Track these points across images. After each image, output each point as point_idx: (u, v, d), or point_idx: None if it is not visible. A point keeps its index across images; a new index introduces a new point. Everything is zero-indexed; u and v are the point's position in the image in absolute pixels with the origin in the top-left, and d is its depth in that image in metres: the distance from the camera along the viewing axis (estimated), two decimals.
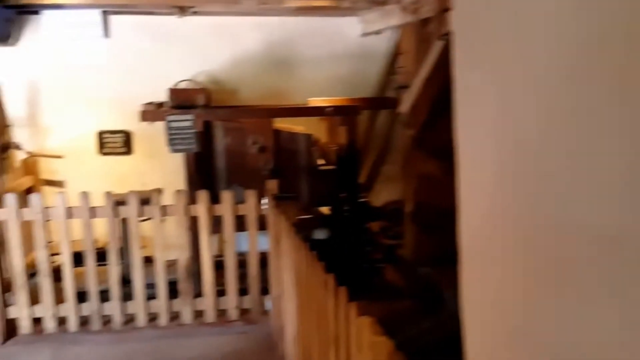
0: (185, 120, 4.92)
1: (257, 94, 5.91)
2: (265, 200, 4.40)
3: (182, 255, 4.53)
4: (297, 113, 5.18)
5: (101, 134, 5.85)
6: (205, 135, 4.98)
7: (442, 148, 5.16)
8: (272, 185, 4.37)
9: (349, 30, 6.08)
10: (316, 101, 5.48)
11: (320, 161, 5.19)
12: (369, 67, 6.11)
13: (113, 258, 4.50)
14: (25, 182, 5.50)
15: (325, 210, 5.43)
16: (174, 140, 4.92)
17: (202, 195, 4.47)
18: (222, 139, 5.01)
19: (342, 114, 5.04)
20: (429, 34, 5.14)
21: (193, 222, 4.55)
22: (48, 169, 5.84)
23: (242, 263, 4.62)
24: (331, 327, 2.44)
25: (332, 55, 6.05)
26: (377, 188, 6.41)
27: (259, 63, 5.95)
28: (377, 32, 5.98)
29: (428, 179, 5.17)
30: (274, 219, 3.85)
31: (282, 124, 5.24)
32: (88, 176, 5.67)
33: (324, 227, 5.23)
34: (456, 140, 0.69)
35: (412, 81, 5.17)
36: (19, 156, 5.75)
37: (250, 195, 4.51)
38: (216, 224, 4.62)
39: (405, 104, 5.03)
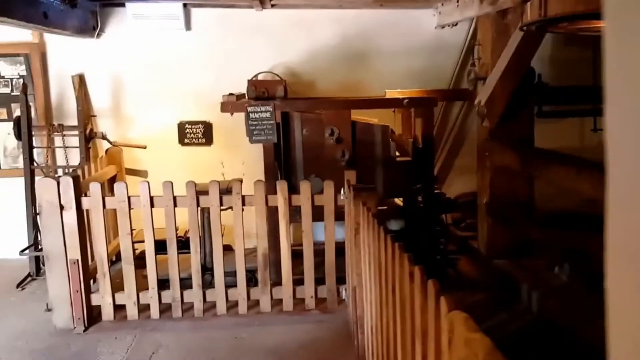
0: (265, 112, 5.00)
1: (333, 86, 5.93)
2: (343, 191, 4.42)
3: (261, 245, 4.61)
4: (374, 105, 5.18)
5: (182, 125, 6.02)
6: (284, 127, 5.04)
7: (519, 140, 5.05)
8: (351, 175, 4.38)
9: (425, 22, 6.02)
10: (393, 93, 5.45)
11: (396, 153, 5.16)
12: (444, 60, 6.03)
13: (194, 247, 4.62)
14: (109, 171, 5.72)
15: (399, 201, 5.41)
16: (253, 131, 5.01)
17: (281, 185, 4.53)
18: (300, 130, 5.06)
19: (419, 105, 4.99)
20: (507, 25, 5.02)
21: (272, 212, 4.62)
22: (131, 159, 6.06)
23: (317, 252, 4.67)
24: (417, 320, 2.43)
25: (407, 48, 6.00)
26: (450, 180, 6.34)
27: (336, 56, 5.98)
28: (453, 24, 5.89)
29: (504, 171, 5.07)
30: (352, 210, 3.86)
31: (357, 116, 5.25)
32: (169, 166, 5.85)
33: (398, 218, 5.23)
34: (608, 135, 0.65)
35: (489, 73, 5.07)
36: (103, 146, 5.99)
37: (328, 186, 4.54)
38: (294, 214, 4.69)
39: (483, 96, 4.93)
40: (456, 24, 5.82)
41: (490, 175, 5.11)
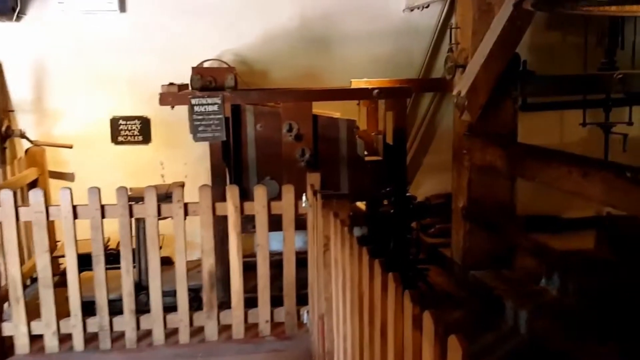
0: (212, 104, 4.18)
1: (290, 75, 5.16)
2: (305, 197, 3.64)
3: (206, 261, 3.80)
4: (339, 96, 4.42)
5: (116, 121, 5.13)
6: (234, 122, 4.24)
7: (505, 135, 4.38)
8: (314, 179, 3.61)
9: (392, 4, 5.31)
10: (359, 83, 4.70)
11: (364, 151, 4.41)
12: (414, 46, 5.34)
13: (126, 265, 3.77)
14: (30, 174, 4.81)
15: (362, 205, 4.67)
16: (198, 127, 4.18)
17: (232, 191, 3.72)
18: (253, 125, 4.26)
19: (392, 96, 4.26)
20: (491, 5, 4.34)
21: (220, 222, 3.82)
22: (56, 160, 5.13)
23: (273, 263, 3.87)
24: None
25: (373, 33, 5.28)
26: (418, 180, 5.65)
27: (293, 41, 5.21)
28: (425, 6, 5.19)
29: (485, 171, 4.41)
30: (320, 221, 3.10)
31: (317, 109, 4.47)
32: (100, 168, 4.97)
33: (362, 224, 4.47)
34: None
35: (470, 60, 4.39)
36: (22, 145, 5.05)
37: (287, 191, 3.75)
38: (246, 223, 3.89)
39: (463, 86, 4.24)
40: (427, 6, 5.13)
41: (469, 175, 4.44)
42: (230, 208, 3.71)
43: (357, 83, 4.70)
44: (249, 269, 3.92)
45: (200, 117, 4.17)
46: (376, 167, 4.36)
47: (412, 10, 5.23)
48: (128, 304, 3.81)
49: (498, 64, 4.12)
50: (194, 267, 4.19)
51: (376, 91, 4.24)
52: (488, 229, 4.39)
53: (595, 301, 3.69)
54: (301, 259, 3.83)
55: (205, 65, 4.82)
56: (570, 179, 3.27)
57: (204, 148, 4.33)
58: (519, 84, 4.27)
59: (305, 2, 5.20)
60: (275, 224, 3.82)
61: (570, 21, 4.84)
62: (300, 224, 3.81)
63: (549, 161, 3.47)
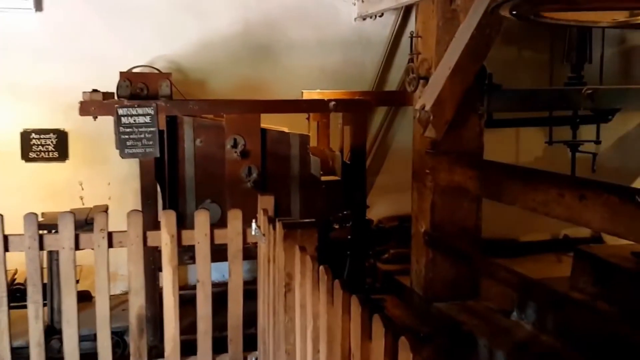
0: (143, 115, 3.46)
1: (231, 86, 4.49)
2: (255, 224, 2.97)
3: (135, 302, 3.04)
4: (292, 107, 3.79)
5: (27, 134, 4.27)
6: (170, 136, 3.53)
7: (473, 153, 3.88)
8: (267, 202, 2.95)
9: (343, 12, 4.75)
10: (312, 94, 4.10)
11: (319, 170, 3.80)
12: (366, 57, 4.79)
13: (34, 308, 2.97)
14: None
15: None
16: (126, 142, 3.45)
17: (167, 218, 3.00)
18: (192, 140, 3.57)
19: (350, 110, 3.68)
20: (455, 12, 3.86)
21: (152, 254, 3.09)
22: None
23: (214, 296, 3.17)
24: None
25: (322, 42, 4.71)
26: (369, 201, 5.07)
27: (235, 48, 4.55)
28: (378, 15, 4.66)
29: (451, 192, 3.90)
30: (279, 255, 2.45)
31: (264, 123, 3.83)
32: (7, 190, 4.10)
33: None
34: None
35: (433, 70, 3.89)
36: None
37: (234, 217, 3.07)
38: (182, 254, 3.17)
39: (427, 99, 3.71)
40: (381, 15, 4.61)
41: (432, 197, 3.90)
42: (165, 238, 2.98)
43: (310, 94, 4.11)
44: (185, 303, 3.20)
45: (128, 129, 3.44)
46: (332, 187, 3.76)
47: (364, 19, 4.71)
48: (37, 355, 3.00)
49: (466, 76, 3.62)
50: (117, 304, 3.44)
51: (333, 103, 3.65)
52: (453, 257, 3.86)
53: (576, 340, 3.22)
54: (248, 291, 3.16)
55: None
56: (563, 204, 2.78)
57: (132, 166, 3.59)
58: (485, 98, 3.80)
59: (248, 6, 4.57)
60: (216, 253, 3.12)
61: (532, 35, 4.44)
62: (247, 252, 3.14)
63: (535, 183, 2.97)
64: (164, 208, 3.30)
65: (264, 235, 2.86)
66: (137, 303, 3.05)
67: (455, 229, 3.94)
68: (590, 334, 3.16)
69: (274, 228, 2.60)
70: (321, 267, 2.02)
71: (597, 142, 4.15)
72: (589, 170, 4.09)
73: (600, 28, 4.11)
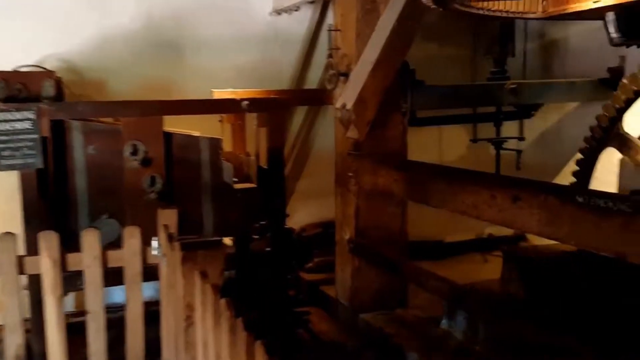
0: (22, 120, 2.91)
1: (133, 87, 3.97)
2: (157, 243, 2.51)
3: (12, 341, 2.50)
4: (200, 108, 3.31)
5: None
6: (56, 143, 2.99)
7: (397, 154, 3.58)
8: (169, 217, 2.49)
9: (256, 6, 4.33)
10: (224, 93, 3.66)
11: (232, 177, 3.36)
12: (283, 54, 4.39)
13: None
14: None
15: (228, 241, 3.59)
16: (2, 152, 2.88)
17: (47, 241, 2.47)
18: (83, 148, 3.04)
19: (266, 109, 3.26)
20: (376, 4, 3.53)
21: (33, 284, 2.56)
22: None
23: (113, 322, 2.67)
24: None
25: (235, 38, 4.27)
26: (290, 208, 4.68)
27: (137, 46, 4.04)
28: (293, 9, 4.28)
29: (377, 196, 3.58)
30: (179, 282, 2.02)
31: (170, 127, 3.35)
32: None
33: (228, 267, 3.40)
34: None
35: (354, 67, 3.54)
36: None
37: (130, 235, 2.58)
38: (74, 280, 2.66)
39: (348, 98, 3.37)
40: (297, 9, 4.22)
41: (357, 201, 3.57)
42: (45, 263, 2.46)
43: (221, 94, 3.66)
44: (77, 331, 2.68)
45: (5, 137, 2.88)
46: (248, 196, 3.33)
47: (279, 13, 4.31)
48: None
49: (388, 72, 3.31)
50: None
51: (246, 103, 3.22)
52: (379, 265, 3.54)
53: (508, 350, 2.97)
54: (152, 312, 2.68)
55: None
56: (495, 206, 2.50)
57: (10, 179, 3.02)
58: (409, 95, 3.49)
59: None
60: (115, 275, 2.63)
61: (453, 29, 4.19)
62: (151, 273, 2.66)
63: (464, 184, 2.67)
64: (51, 227, 2.76)
65: (164, 255, 2.40)
66: (15, 341, 2.51)
67: (381, 234, 3.62)
68: (521, 340, 2.93)
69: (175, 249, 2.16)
70: (222, 301, 1.61)
71: (521, 138, 3.95)
72: (514, 167, 3.88)
73: (525, 20, 3.91)
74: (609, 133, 3.41)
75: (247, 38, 4.27)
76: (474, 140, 3.90)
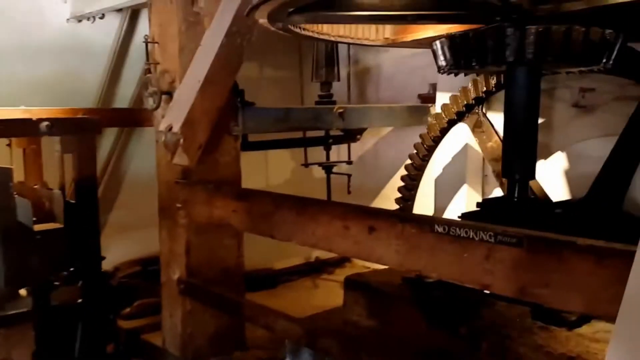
0: None
1: None
2: None
3: None
4: None
5: None
6: None
7: (231, 181, 3.24)
8: None
9: (50, 10, 3.64)
10: (14, 112, 2.94)
11: (30, 215, 2.69)
12: (87, 67, 3.76)
13: None
14: None
15: (23, 292, 2.89)
16: None
17: None
18: None
19: (72, 132, 2.66)
20: (199, 15, 3.14)
21: None
22: None
23: None
24: None
25: (27, 48, 3.53)
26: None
27: None
28: (97, 17, 3.69)
29: (211, 230, 3.17)
30: None
31: None
32: None
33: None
34: None
35: (177, 84, 3.11)
36: None
37: None
38: None
39: (174, 119, 2.93)
40: (102, 17, 3.65)
41: (187, 236, 3.13)
42: None
43: (11, 113, 2.93)
44: None
45: None
46: (51, 238, 2.68)
47: (79, 20, 3.68)
48: None
49: (219, 91, 2.96)
50: None
51: (46, 124, 2.60)
52: (216, 306, 3.14)
53: None
54: None
55: None
56: (349, 237, 2.30)
57: None
58: (241, 117, 3.18)
59: None
60: None
61: (279, 50, 3.99)
62: None
63: (313, 214, 2.43)
64: None
65: None
66: None
67: (216, 271, 3.22)
68: None
69: None
70: None
71: (349, 162, 3.88)
72: (345, 191, 3.79)
73: (347, 46, 3.87)
74: (427, 161, 3.53)
75: (41, 48, 3.57)
76: (306, 164, 3.73)
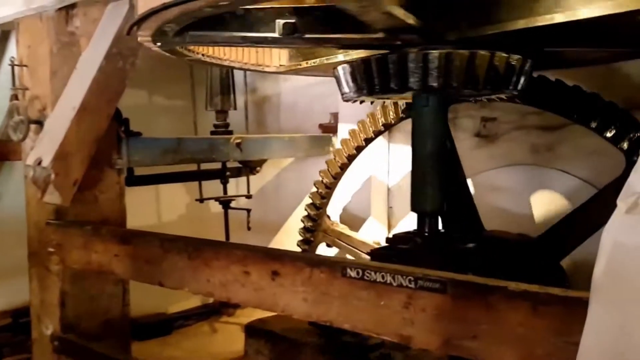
0: None
1: None
2: None
3: None
4: None
5: None
6: None
7: (114, 222, 2.84)
8: None
9: None
10: None
11: None
12: None
13: None
14: None
15: None
16: None
17: None
18: None
19: None
20: (75, 36, 2.76)
21: None
22: None
23: None
24: None
25: None
26: None
27: None
28: None
29: (89, 276, 2.73)
30: None
31: None
32: None
33: None
34: None
35: (50, 113, 2.68)
36: None
37: None
38: None
39: (44, 152, 2.51)
40: None
41: (62, 286, 2.68)
42: None
43: None
44: None
45: None
46: None
47: None
48: None
49: (98, 120, 2.58)
50: None
51: None
52: None
53: None
54: None
55: None
56: (249, 284, 2.01)
57: None
58: (124, 149, 2.80)
59: None
60: None
61: (169, 76, 3.64)
62: None
63: (208, 259, 2.11)
64: None
65: None
66: None
67: (97, 323, 2.78)
68: None
69: None
70: None
71: (249, 196, 3.58)
72: (245, 228, 3.48)
73: (244, 73, 3.61)
74: (328, 199, 3.29)
75: None
76: (201, 200, 3.39)
